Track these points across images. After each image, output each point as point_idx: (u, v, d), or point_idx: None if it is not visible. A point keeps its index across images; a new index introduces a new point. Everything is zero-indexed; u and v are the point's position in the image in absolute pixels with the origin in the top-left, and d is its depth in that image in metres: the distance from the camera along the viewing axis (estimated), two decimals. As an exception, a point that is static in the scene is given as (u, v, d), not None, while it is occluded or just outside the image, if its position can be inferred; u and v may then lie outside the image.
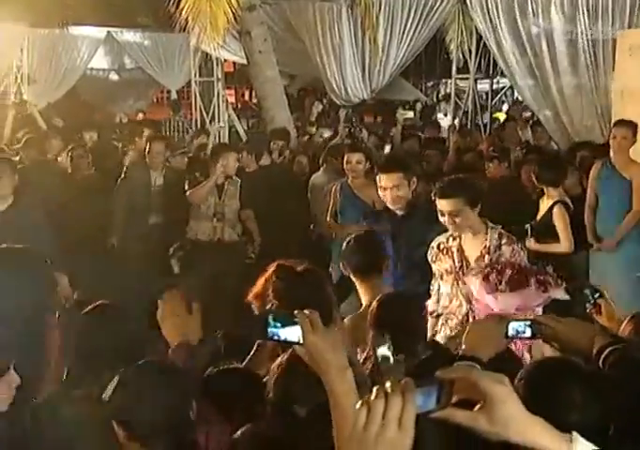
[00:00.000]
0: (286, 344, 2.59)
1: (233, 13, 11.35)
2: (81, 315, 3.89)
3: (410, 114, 12.91)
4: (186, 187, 8.52)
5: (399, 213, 6.16)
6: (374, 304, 4.12)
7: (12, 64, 15.43)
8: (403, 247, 5.90)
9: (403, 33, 13.38)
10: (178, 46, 17.16)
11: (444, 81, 22.53)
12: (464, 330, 3.92)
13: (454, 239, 5.45)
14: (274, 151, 10.67)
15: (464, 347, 3.26)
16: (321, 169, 9.43)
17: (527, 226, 7.44)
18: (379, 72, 13.72)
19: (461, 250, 5.39)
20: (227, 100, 14.92)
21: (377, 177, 6.12)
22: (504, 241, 5.30)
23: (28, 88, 15.71)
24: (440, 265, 5.50)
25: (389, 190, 6.01)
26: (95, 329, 3.73)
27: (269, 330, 2.49)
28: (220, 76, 14.03)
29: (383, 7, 13.29)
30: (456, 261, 5.38)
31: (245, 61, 13.32)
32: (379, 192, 6.12)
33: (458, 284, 5.33)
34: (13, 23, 14.73)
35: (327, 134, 13.17)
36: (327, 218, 8.29)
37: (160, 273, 8.18)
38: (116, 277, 7.84)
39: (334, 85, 13.89)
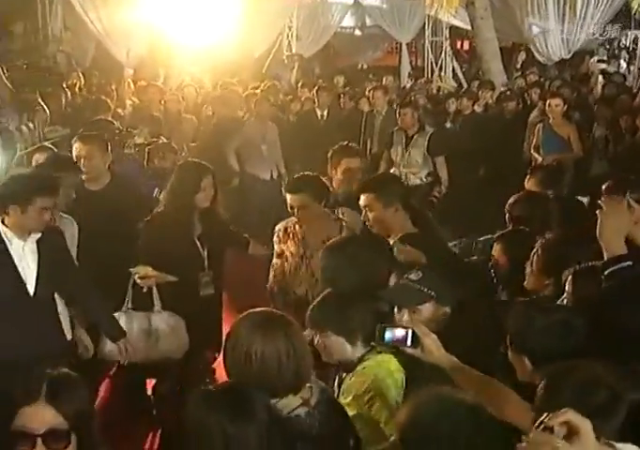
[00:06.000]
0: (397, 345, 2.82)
1: (464, -12, 12.02)
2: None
3: (604, 65, 13.29)
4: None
5: None
6: None
7: (284, 25, 16.63)
8: None
9: (598, 2, 13.75)
10: (409, 9, 17.76)
11: (623, 32, 22.33)
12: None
13: (300, 226, 4.93)
14: (481, 99, 10.93)
15: (605, 247, 3.04)
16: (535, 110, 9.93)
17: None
18: (576, 35, 14.15)
19: (306, 238, 4.92)
20: (452, 55, 15.86)
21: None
22: (344, 233, 4.83)
23: (296, 44, 16.86)
24: (286, 248, 4.98)
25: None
26: None
27: (386, 336, 2.80)
28: (447, 36, 15.07)
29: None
30: (301, 246, 4.91)
31: (469, 26, 14.17)
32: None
33: (301, 267, 4.90)
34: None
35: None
36: (531, 150, 9.03)
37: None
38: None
39: (537, 45, 14.48)
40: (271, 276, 5.07)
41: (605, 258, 3.05)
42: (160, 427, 5.37)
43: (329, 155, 6.03)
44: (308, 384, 2.76)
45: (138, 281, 4.89)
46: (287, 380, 2.67)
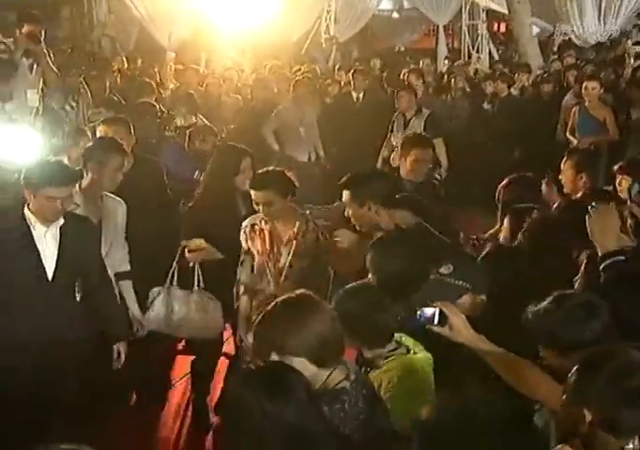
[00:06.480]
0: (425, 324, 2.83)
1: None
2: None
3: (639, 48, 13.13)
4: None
5: None
6: None
7: (323, 8, 16.57)
8: None
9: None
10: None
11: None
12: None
13: (267, 223, 4.78)
14: (517, 82, 10.90)
15: (598, 245, 3.22)
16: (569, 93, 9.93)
17: None
18: (613, 17, 13.93)
19: (272, 234, 4.78)
20: (488, 37, 15.71)
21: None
22: (310, 227, 4.78)
23: (334, 27, 16.72)
24: (253, 245, 4.83)
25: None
26: None
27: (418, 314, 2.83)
28: (484, 19, 14.92)
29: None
30: (267, 243, 4.77)
31: (506, 10, 13.99)
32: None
33: (268, 264, 4.77)
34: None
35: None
36: (567, 133, 9.02)
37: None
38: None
39: (574, 28, 14.24)
40: (238, 275, 4.93)
41: (600, 253, 3.23)
42: (194, 401, 5.45)
43: (401, 142, 5.92)
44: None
45: (187, 256, 4.93)
46: (341, 346, 2.75)
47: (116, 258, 4.89)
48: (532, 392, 2.67)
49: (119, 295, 4.92)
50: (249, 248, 4.86)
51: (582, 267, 3.42)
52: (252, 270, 4.85)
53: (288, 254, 4.72)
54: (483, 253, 4.02)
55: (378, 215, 4.31)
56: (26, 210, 4.19)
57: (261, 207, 4.69)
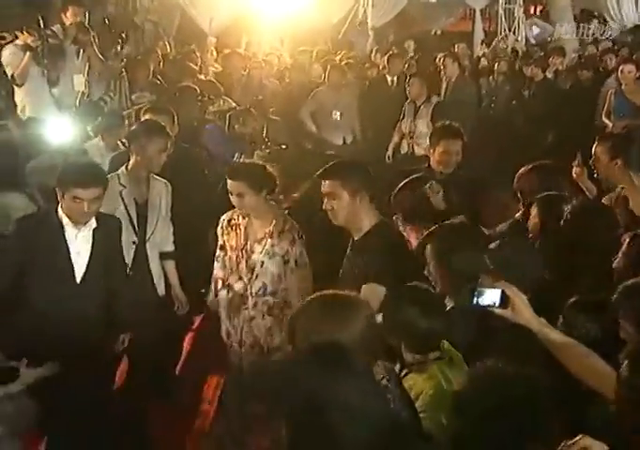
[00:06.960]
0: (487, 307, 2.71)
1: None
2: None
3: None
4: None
5: None
6: None
7: None
8: None
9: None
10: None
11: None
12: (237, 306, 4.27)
13: (244, 218, 4.64)
14: (551, 65, 10.74)
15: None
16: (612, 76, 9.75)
17: None
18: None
19: (247, 229, 4.62)
20: (524, 20, 15.48)
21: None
22: (287, 227, 4.57)
23: (371, 11, 16.33)
24: (228, 240, 4.69)
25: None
26: None
27: (475, 297, 2.71)
28: (521, 3, 14.74)
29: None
30: (242, 238, 4.61)
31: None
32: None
33: (239, 260, 4.63)
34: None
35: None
36: (602, 116, 8.93)
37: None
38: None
39: (612, 12, 14.01)
40: (215, 270, 4.80)
41: None
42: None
43: (431, 133, 5.83)
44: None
45: None
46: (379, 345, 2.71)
47: (162, 237, 4.95)
48: (585, 377, 2.63)
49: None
50: (224, 243, 4.72)
51: (624, 246, 3.42)
52: (225, 265, 4.71)
53: (260, 252, 4.54)
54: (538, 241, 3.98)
55: (366, 208, 4.04)
56: (60, 210, 4.11)
57: (234, 198, 4.53)
